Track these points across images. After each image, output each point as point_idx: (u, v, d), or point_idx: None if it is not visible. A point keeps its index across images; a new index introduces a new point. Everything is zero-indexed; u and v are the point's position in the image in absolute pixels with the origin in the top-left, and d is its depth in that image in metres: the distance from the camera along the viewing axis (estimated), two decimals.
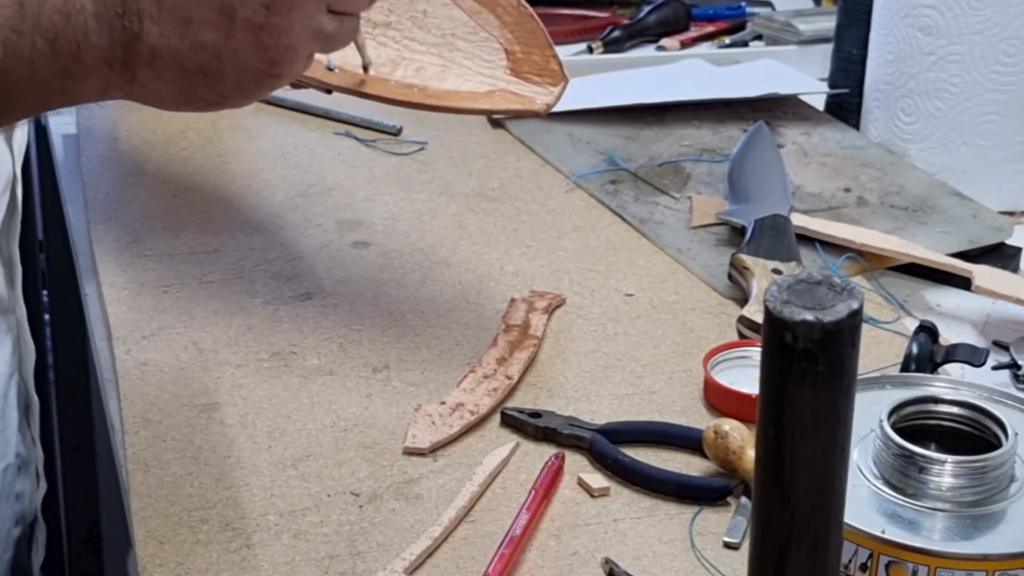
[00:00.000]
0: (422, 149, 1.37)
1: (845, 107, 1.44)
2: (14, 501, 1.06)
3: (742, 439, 0.90)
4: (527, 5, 1.03)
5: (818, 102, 1.48)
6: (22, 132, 1.08)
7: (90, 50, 0.73)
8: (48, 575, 1.09)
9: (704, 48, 1.69)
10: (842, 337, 0.58)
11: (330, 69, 1.03)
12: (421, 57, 1.04)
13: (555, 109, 1.42)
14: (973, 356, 1.00)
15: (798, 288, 0.59)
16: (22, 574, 1.08)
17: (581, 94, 1.47)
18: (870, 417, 0.78)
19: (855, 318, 0.58)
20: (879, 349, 1.06)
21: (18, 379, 1.08)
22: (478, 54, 1.04)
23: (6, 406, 1.06)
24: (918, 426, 0.80)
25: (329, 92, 1.06)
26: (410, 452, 0.94)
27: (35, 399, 1.13)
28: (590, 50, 1.65)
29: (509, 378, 1.00)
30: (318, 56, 0.87)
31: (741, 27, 1.72)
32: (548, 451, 0.94)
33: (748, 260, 1.12)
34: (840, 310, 0.58)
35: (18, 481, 1.07)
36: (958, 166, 1.32)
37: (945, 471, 0.76)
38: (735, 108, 1.46)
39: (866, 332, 1.02)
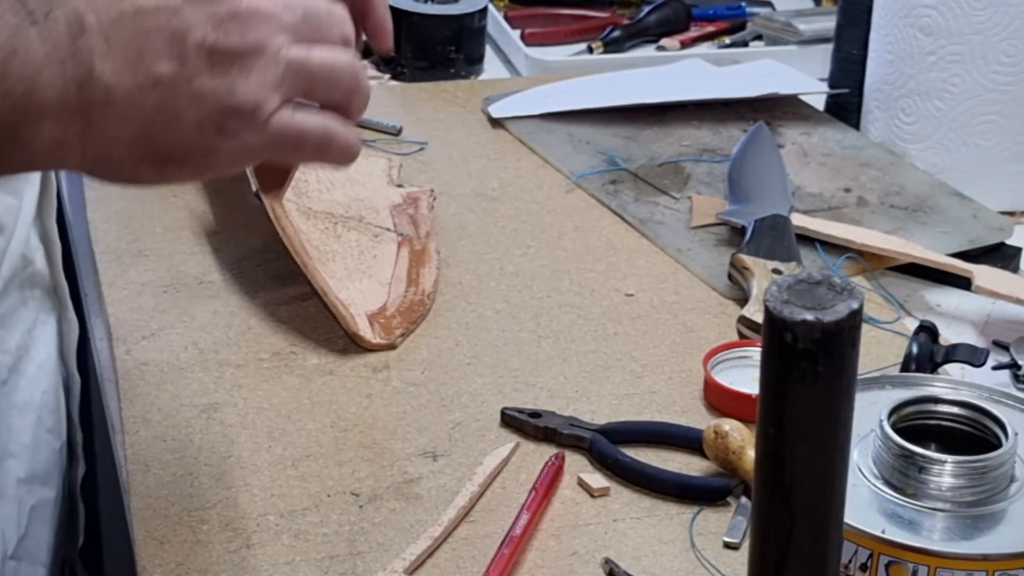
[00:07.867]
0: (422, 149, 1.37)
1: (845, 107, 1.44)
2: (61, 480, 1.05)
3: (742, 439, 0.90)
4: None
5: (818, 102, 1.48)
6: None
7: (42, 89, 0.66)
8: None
9: (704, 48, 1.68)
10: (842, 337, 0.58)
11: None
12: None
13: (555, 109, 1.44)
14: (973, 356, 1.00)
15: (798, 288, 0.59)
16: (64, 559, 1.08)
17: (581, 94, 1.47)
18: (870, 417, 0.78)
19: (855, 318, 0.58)
20: (879, 349, 1.06)
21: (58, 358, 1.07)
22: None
23: (57, 385, 1.05)
24: (918, 426, 0.80)
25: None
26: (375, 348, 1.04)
27: (76, 378, 1.10)
28: (590, 50, 1.65)
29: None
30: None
31: (741, 27, 1.72)
32: (548, 451, 0.94)
33: (748, 260, 1.12)
34: (840, 310, 0.58)
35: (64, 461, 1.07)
36: (958, 166, 1.32)
37: (945, 471, 0.76)
38: (735, 108, 1.46)
39: (866, 332, 1.02)
